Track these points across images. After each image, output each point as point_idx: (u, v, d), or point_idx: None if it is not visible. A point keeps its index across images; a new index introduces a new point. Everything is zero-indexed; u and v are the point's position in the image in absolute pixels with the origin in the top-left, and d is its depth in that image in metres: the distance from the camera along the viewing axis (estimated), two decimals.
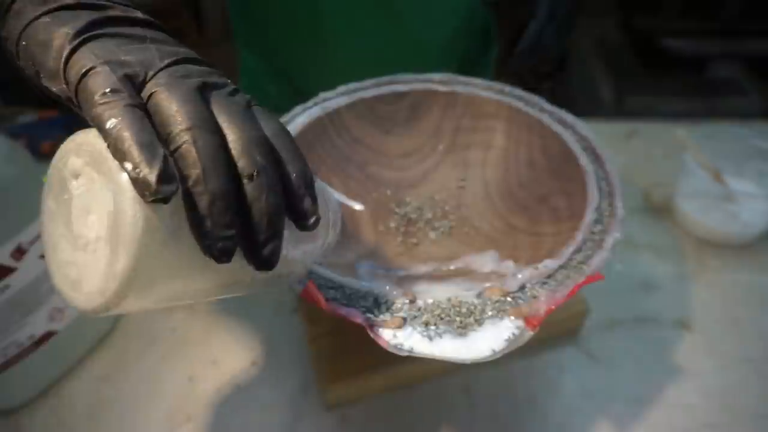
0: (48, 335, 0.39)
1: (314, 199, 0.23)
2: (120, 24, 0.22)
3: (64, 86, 0.21)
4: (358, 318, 0.30)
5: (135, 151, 0.18)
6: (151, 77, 0.21)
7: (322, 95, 0.46)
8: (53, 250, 0.21)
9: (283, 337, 0.45)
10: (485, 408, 0.40)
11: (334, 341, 0.41)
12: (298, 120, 0.44)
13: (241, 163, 0.20)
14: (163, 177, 0.18)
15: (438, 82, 0.47)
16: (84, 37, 0.20)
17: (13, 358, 0.38)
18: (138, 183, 0.18)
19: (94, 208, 0.19)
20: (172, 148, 0.19)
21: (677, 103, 1.66)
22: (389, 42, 0.59)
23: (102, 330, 0.45)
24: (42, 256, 0.37)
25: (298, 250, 0.25)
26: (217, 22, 2.07)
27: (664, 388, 0.41)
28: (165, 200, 0.18)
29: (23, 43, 0.21)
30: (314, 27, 0.58)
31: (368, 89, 0.46)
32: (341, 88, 0.46)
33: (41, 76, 0.21)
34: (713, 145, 0.53)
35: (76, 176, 0.20)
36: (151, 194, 0.18)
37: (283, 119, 0.44)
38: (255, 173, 0.20)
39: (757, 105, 1.65)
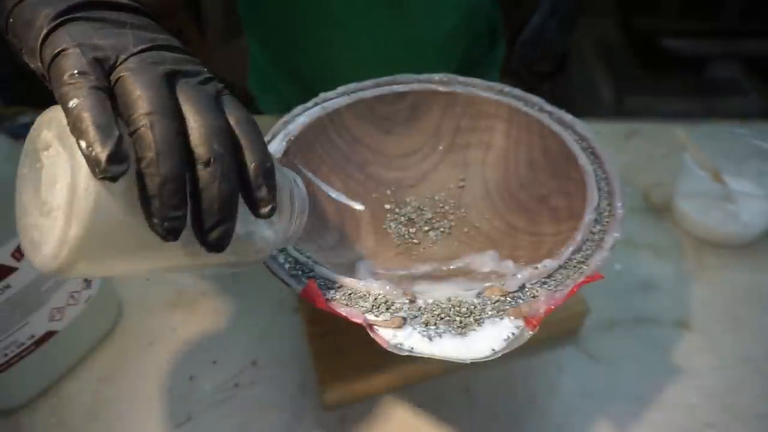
0: (48, 335, 0.39)
1: (271, 189, 0.24)
2: (103, 8, 0.23)
3: (40, 64, 0.22)
4: (358, 318, 0.30)
5: (91, 131, 0.19)
6: (122, 61, 0.22)
7: (323, 95, 0.46)
8: (22, 213, 0.22)
9: (283, 337, 0.45)
10: (485, 408, 0.40)
11: (334, 341, 0.41)
12: (298, 120, 0.44)
13: (198, 150, 0.21)
14: (113, 158, 0.19)
15: (438, 82, 0.47)
16: (63, 19, 0.22)
17: (14, 357, 0.38)
18: (90, 160, 0.19)
19: (59, 178, 0.20)
20: (131, 130, 0.20)
21: (677, 103, 1.66)
22: (394, 38, 0.59)
23: (102, 330, 0.45)
24: None
25: (255, 236, 0.26)
26: (217, 23, 2.07)
27: (664, 388, 0.41)
28: (113, 179, 0.19)
29: (11, 20, 0.22)
30: (320, 23, 0.58)
31: (368, 89, 0.46)
32: (341, 89, 0.46)
33: (23, 52, 0.22)
34: (713, 145, 0.54)
35: (47, 147, 0.21)
36: (101, 172, 0.19)
37: (284, 119, 0.44)
38: (210, 160, 0.21)
39: (756, 105, 1.65)
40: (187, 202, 0.21)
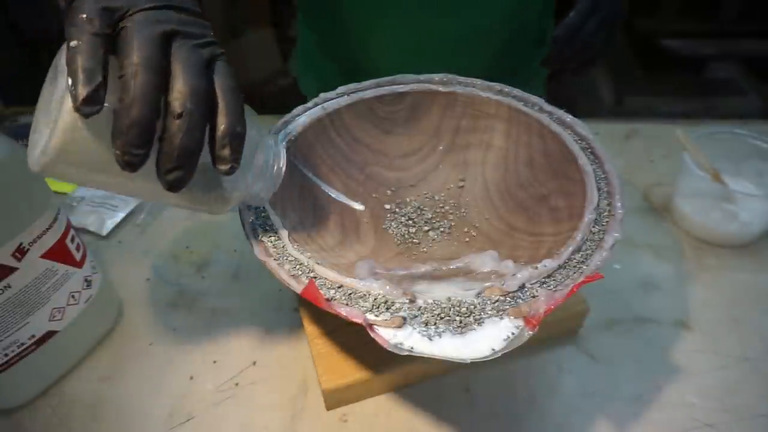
0: (49, 335, 0.39)
1: (234, 151, 0.27)
2: None
3: (63, 3, 0.26)
4: (358, 318, 0.30)
5: (78, 72, 0.23)
6: (131, 14, 0.25)
7: (323, 95, 0.46)
8: (36, 117, 0.27)
9: (283, 337, 0.45)
10: (485, 408, 0.40)
11: (334, 341, 0.41)
12: (298, 120, 0.44)
13: (173, 104, 0.25)
14: (87, 100, 0.23)
15: (438, 82, 0.47)
16: None
17: (14, 357, 0.38)
18: (72, 96, 0.23)
19: (59, 98, 0.25)
20: (119, 75, 0.24)
21: (677, 103, 1.66)
22: (436, 29, 0.59)
23: (102, 330, 0.45)
24: (42, 256, 0.37)
25: (215, 188, 0.30)
26: (217, 23, 2.07)
27: (663, 388, 0.41)
28: (86, 115, 0.23)
29: None
30: (368, 9, 0.58)
31: (368, 89, 0.46)
32: (341, 89, 0.46)
33: None
34: (712, 145, 0.54)
35: (63, 72, 0.24)
36: (76, 108, 0.23)
37: (284, 119, 0.44)
38: (180, 114, 0.25)
39: (755, 105, 1.65)
40: (152, 143, 0.25)
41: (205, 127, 0.26)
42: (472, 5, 0.57)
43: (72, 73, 0.23)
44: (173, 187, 0.26)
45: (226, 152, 0.27)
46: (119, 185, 0.28)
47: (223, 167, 0.27)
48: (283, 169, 0.34)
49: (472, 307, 0.30)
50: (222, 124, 0.27)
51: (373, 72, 0.47)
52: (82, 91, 0.23)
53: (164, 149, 0.25)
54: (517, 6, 0.59)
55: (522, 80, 0.59)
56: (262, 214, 0.37)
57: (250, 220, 0.36)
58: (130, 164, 0.25)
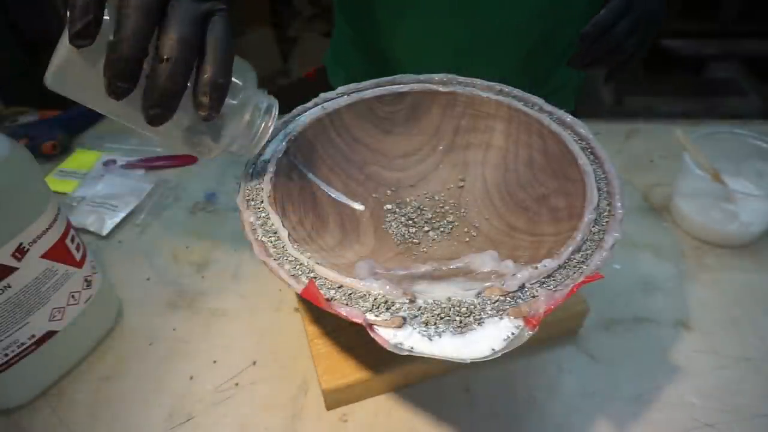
0: (49, 335, 0.39)
1: (214, 100, 0.29)
2: None
3: None
4: (358, 318, 0.30)
5: (75, 9, 0.26)
6: None
7: (323, 95, 0.46)
8: (59, 42, 0.29)
9: (283, 337, 0.45)
10: (485, 408, 0.40)
11: (334, 341, 0.41)
12: (298, 120, 0.44)
13: (161, 49, 0.27)
14: (77, 34, 0.26)
15: (438, 82, 0.47)
16: None
17: (14, 357, 0.38)
18: (67, 29, 0.26)
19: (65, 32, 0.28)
20: (117, 16, 0.27)
21: (676, 103, 1.66)
22: (459, 24, 0.59)
23: (102, 330, 0.45)
24: (42, 256, 0.37)
25: (196, 131, 0.32)
26: None
27: (663, 388, 0.41)
28: (77, 47, 0.27)
29: None
30: (390, 3, 0.59)
31: (368, 89, 0.46)
32: (341, 89, 0.47)
33: None
34: (712, 145, 0.54)
35: None
36: (69, 40, 0.26)
37: (284, 119, 0.44)
38: (165, 59, 0.27)
39: (755, 105, 1.65)
40: (137, 79, 0.28)
41: (188, 74, 0.29)
42: (498, 4, 0.56)
43: (70, 8, 0.26)
44: (153, 122, 0.29)
45: (206, 99, 0.29)
46: (111, 110, 0.31)
47: (202, 113, 0.30)
48: (270, 130, 0.36)
49: (472, 307, 0.30)
50: (205, 74, 0.29)
51: (401, 68, 0.47)
52: (73, 26, 0.26)
53: (148, 88, 0.28)
54: (547, 7, 0.57)
55: (551, 89, 0.58)
56: (262, 214, 0.37)
57: (250, 220, 0.36)
58: (115, 93, 0.28)
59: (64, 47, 0.28)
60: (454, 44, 0.60)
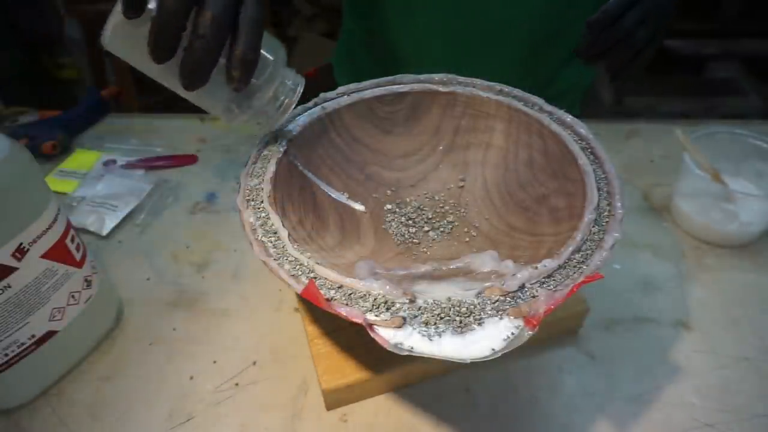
0: (49, 335, 0.39)
1: (243, 74, 0.33)
2: None
3: None
4: (358, 318, 0.30)
5: None
6: None
7: (323, 95, 0.46)
8: (114, 8, 0.32)
9: (283, 337, 0.45)
10: (485, 408, 0.40)
11: (334, 341, 0.41)
12: (298, 120, 0.44)
13: (197, 26, 0.31)
14: (128, 7, 0.31)
15: (438, 82, 0.47)
16: None
17: (14, 357, 0.38)
18: (120, 1, 0.31)
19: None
20: None
21: (676, 103, 1.66)
22: (463, 18, 0.59)
23: (102, 330, 0.45)
24: (42, 256, 0.37)
25: (224, 99, 0.36)
26: None
27: (663, 388, 0.41)
28: (127, 17, 0.31)
29: None
30: (409, 5, 0.60)
31: (368, 89, 0.46)
32: (341, 89, 0.47)
33: None
34: (712, 145, 0.54)
35: None
36: (120, 12, 0.31)
37: (284, 120, 0.44)
38: (200, 35, 0.31)
39: (755, 105, 1.65)
40: (175, 49, 0.31)
41: (220, 50, 0.32)
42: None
43: None
44: (187, 87, 0.33)
45: (236, 73, 0.33)
46: (153, 73, 0.35)
47: (232, 85, 0.33)
48: (293, 106, 0.39)
49: (472, 307, 0.30)
50: (236, 50, 0.32)
51: (407, 66, 0.47)
52: (126, 1, 0.31)
53: (184, 58, 0.32)
54: (550, 4, 0.56)
55: (557, 92, 0.57)
56: (262, 214, 0.37)
57: (250, 220, 0.36)
58: (156, 59, 0.32)
59: (117, 14, 0.32)
60: (458, 40, 0.60)
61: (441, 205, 0.47)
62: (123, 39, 0.33)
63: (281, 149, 0.41)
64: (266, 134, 0.42)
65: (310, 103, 0.46)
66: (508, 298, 0.31)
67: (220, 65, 0.33)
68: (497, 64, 0.59)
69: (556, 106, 0.44)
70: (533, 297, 0.31)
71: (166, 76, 0.34)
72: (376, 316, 0.30)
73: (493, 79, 0.47)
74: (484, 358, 0.28)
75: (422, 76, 0.48)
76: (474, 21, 0.59)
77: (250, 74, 0.33)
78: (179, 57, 0.32)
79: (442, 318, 0.30)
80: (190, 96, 0.35)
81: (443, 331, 0.29)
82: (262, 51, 0.34)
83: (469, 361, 0.28)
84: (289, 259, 0.34)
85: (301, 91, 0.39)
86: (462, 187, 0.47)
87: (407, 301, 0.31)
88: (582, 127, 0.42)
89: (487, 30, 0.59)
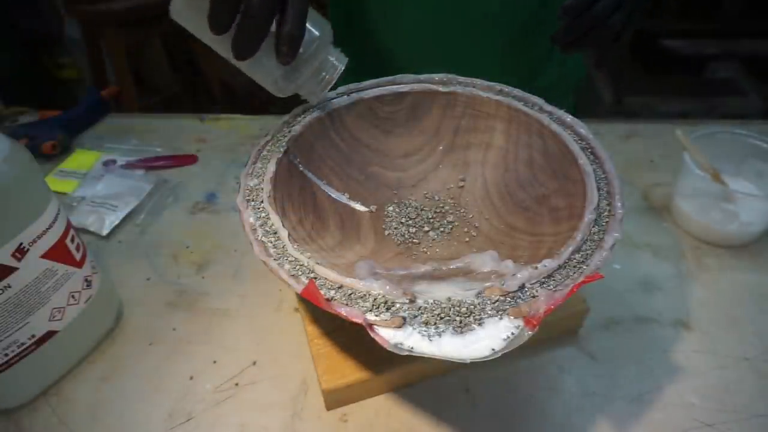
0: (49, 335, 0.39)
1: (290, 49, 0.36)
2: None
3: None
4: (358, 318, 0.30)
5: None
6: None
7: (323, 95, 0.46)
8: None
9: (284, 337, 0.45)
10: (485, 407, 0.40)
11: (334, 341, 0.41)
12: (298, 120, 0.44)
13: (248, 6, 0.33)
14: None
15: (438, 82, 0.47)
16: None
17: (14, 357, 0.38)
18: None
19: None
20: None
21: (677, 103, 1.66)
22: (444, 10, 0.60)
23: (102, 330, 0.45)
24: (42, 256, 0.37)
25: (271, 70, 0.38)
26: None
27: (663, 388, 0.41)
28: None
29: None
30: None
31: (368, 89, 0.46)
32: (341, 89, 0.46)
33: None
34: (712, 145, 0.54)
35: None
36: None
37: (284, 119, 0.44)
38: (249, 14, 0.33)
39: (756, 105, 1.65)
40: (230, 24, 0.34)
41: (267, 27, 0.35)
42: None
43: None
44: (237, 58, 0.36)
45: (283, 48, 0.36)
46: (212, 43, 0.37)
47: (279, 59, 0.36)
48: (333, 82, 0.41)
49: (472, 307, 0.30)
50: (284, 27, 0.35)
51: (393, 62, 0.47)
52: None
53: (235, 32, 0.34)
54: None
55: (545, 85, 0.57)
56: (262, 214, 0.37)
57: (250, 220, 0.36)
58: (214, 31, 0.35)
59: None
60: (440, 33, 0.61)
61: (441, 205, 0.47)
62: (188, 11, 0.37)
63: (281, 149, 0.41)
64: (267, 132, 0.42)
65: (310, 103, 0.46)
66: (508, 298, 0.31)
67: (270, 39, 0.36)
68: (479, 57, 0.59)
69: (555, 105, 0.44)
70: (533, 297, 0.31)
71: (222, 46, 0.37)
72: (376, 316, 0.30)
73: (475, 73, 0.47)
74: (484, 358, 0.28)
75: (422, 76, 0.48)
76: (455, 14, 0.59)
77: (296, 50, 0.36)
78: (234, 30, 0.35)
79: (442, 318, 0.30)
80: (241, 66, 0.38)
81: (443, 331, 0.29)
82: (308, 27, 0.37)
83: (469, 361, 0.28)
84: (289, 259, 0.34)
85: (342, 68, 0.41)
86: (462, 187, 0.47)
87: (407, 301, 0.31)
88: (582, 127, 0.42)
89: (468, 23, 0.60)
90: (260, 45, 0.35)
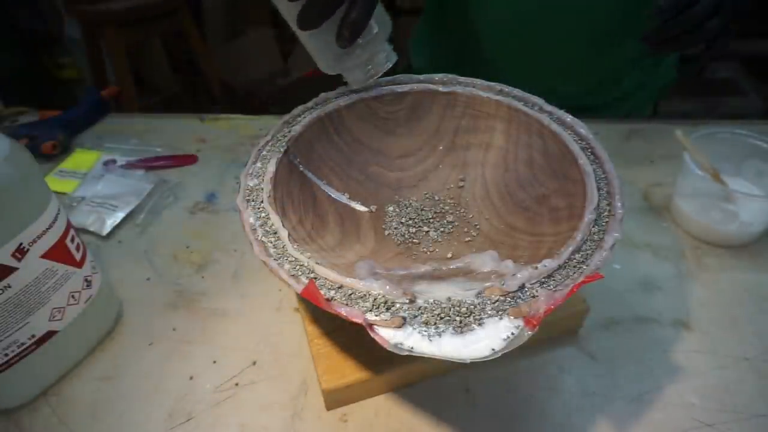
0: (49, 335, 0.39)
1: (351, 35, 0.38)
2: None
3: None
4: (358, 318, 0.30)
5: None
6: None
7: (323, 95, 0.46)
8: None
9: (283, 337, 0.45)
10: (485, 407, 0.40)
11: (334, 341, 0.41)
12: (298, 120, 0.44)
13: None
14: None
15: (438, 82, 0.47)
16: None
17: (14, 357, 0.38)
18: None
19: None
20: None
21: (676, 103, 1.66)
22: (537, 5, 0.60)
23: (102, 330, 0.45)
24: (42, 256, 0.37)
25: (330, 51, 0.41)
26: (217, 23, 2.07)
27: (663, 388, 0.41)
28: None
29: None
30: None
31: (368, 89, 0.46)
32: (341, 89, 0.47)
33: None
34: (712, 145, 0.54)
35: None
36: None
37: (284, 119, 0.44)
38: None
39: (756, 105, 1.65)
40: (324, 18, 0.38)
41: (334, 9, 0.37)
42: None
43: None
44: (300, 26, 0.38)
45: (345, 33, 0.38)
46: (284, 12, 0.39)
47: (338, 41, 0.39)
48: (377, 75, 0.44)
49: (472, 307, 0.30)
50: (352, 14, 0.37)
51: (479, 47, 0.47)
52: None
53: (306, 3, 0.37)
54: None
55: (623, 92, 0.56)
56: (262, 214, 0.37)
57: (250, 220, 0.36)
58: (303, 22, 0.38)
59: None
60: (526, 28, 0.61)
61: (441, 205, 0.47)
62: None
63: (281, 149, 0.41)
64: (267, 132, 0.43)
65: (310, 103, 0.46)
66: (508, 298, 0.31)
67: (334, 19, 0.38)
68: (562, 53, 0.60)
69: (555, 106, 0.44)
70: (533, 297, 0.31)
71: (290, 13, 0.39)
72: (376, 316, 0.30)
73: (558, 73, 0.47)
74: (484, 358, 0.28)
75: (422, 76, 0.48)
76: (541, 3, 0.59)
77: (355, 37, 0.39)
78: (305, 1, 0.37)
79: (442, 318, 0.30)
80: (301, 36, 0.40)
81: (443, 331, 0.29)
82: (371, 21, 0.40)
83: (469, 361, 0.28)
84: (289, 259, 0.34)
85: (390, 66, 0.44)
86: (462, 187, 0.47)
87: (407, 301, 0.31)
88: (582, 127, 0.42)
89: (554, 18, 0.60)
90: (323, 22, 0.38)
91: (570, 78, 0.48)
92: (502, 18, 0.62)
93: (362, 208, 0.45)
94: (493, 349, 0.28)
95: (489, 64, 0.50)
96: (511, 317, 0.29)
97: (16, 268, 0.35)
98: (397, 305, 0.30)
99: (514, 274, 0.32)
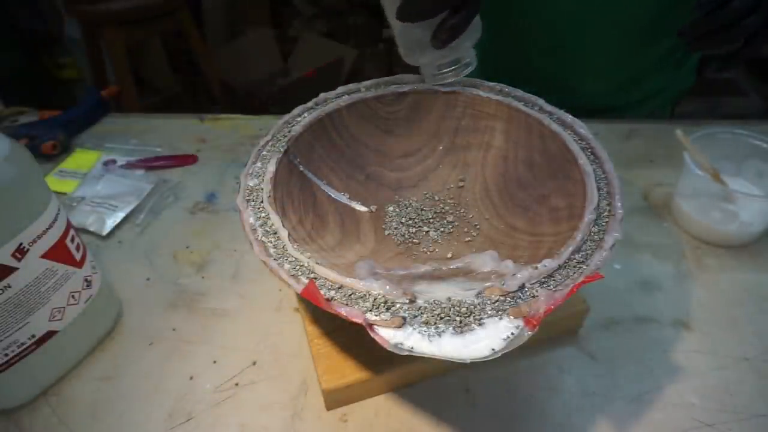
0: (49, 335, 0.39)
1: (446, 38, 0.39)
2: None
3: None
4: (358, 318, 0.30)
5: None
6: None
7: (323, 95, 0.46)
8: None
9: (283, 337, 0.45)
10: (485, 407, 0.40)
11: (334, 341, 0.41)
12: (298, 120, 0.44)
13: None
14: None
15: None
16: None
17: (14, 357, 0.38)
18: None
19: None
20: None
21: (676, 103, 1.66)
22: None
23: (102, 330, 0.45)
24: (42, 256, 0.37)
25: (417, 44, 0.42)
26: (217, 23, 2.07)
27: (663, 388, 0.41)
28: None
29: None
30: None
31: (368, 89, 0.46)
32: (341, 89, 0.47)
33: None
34: (712, 145, 0.54)
35: None
36: None
37: (284, 119, 0.44)
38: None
39: (756, 105, 1.65)
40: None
41: (437, 13, 0.38)
42: None
43: None
44: (399, 17, 0.38)
45: (442, 35, 0.39)
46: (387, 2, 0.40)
47: (432, 41, 0.40)
48: (451, 79, 0.45)
49: (472, 307, 0.30)
50: (452, 19, 0.38)
51: (522, 35, 0.49)
52: None
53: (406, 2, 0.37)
54: None
55: (643, 94, 0.57)
56: (262, 214, 0.37)
57: (250, 220, 0.36)
58: (406, 14, 0.38)
59: None
60: (567, 17, 0.61)
61: (441, 205, 0.47)
62: None
63: (281, 149, 0.41)
64: (267, 132, 0.43)
65: (310, 103, 0.46)
66: (508, 298, 0.31)
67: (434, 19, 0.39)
68: (599, 53, 0.59)
69: (556, 106, 0.44)
70: (533, 297, 0.31)
71: (391, 1, 0.39)
72: (376, 316, 0.30)
73: (589, 71, 0.47)
74: (484, 358, 0.28)
75: None
76: (583, 4, 0.59)
77: (450, 41, 0.39)
78: None
79: (442, 318, 0.30)
80: (395, 24, 0.41)
81: (443, 331, 0.29)
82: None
83: (469, 361, 0.28)
84: (289, 259, 0.34)
85: (466, 73, 0.45)
86: (462, 187, 0.47)
87: (407, 301, 0.31)
88: (582, 127, 0.42)
89: (594, 17, 0.60)
90: (423, 20, 0.38)
91: (600, 76, 0.48)
92: (541, 15, 0.62)
93: (362, 208, 0.45)
94: (493, 349, 0.28)
95: (520, 60, 0.50)
96: (511, 317, 0.29)
97: (16, 268, 0.35)
98: (397, 305, 0.30)
99: (514, 274, 0.32)
